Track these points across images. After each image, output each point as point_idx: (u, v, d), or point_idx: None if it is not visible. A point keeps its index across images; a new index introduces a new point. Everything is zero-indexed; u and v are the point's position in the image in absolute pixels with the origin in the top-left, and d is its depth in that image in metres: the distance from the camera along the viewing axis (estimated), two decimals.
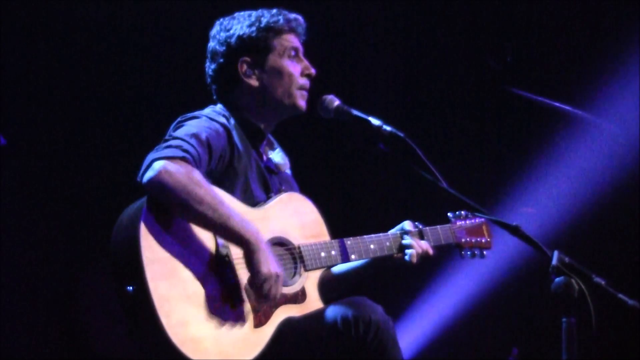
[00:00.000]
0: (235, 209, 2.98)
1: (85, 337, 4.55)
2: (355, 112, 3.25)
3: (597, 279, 2.61)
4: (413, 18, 5.59)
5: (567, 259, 2.62)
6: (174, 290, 2.83)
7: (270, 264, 2.93)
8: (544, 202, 5.24)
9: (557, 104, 5.05)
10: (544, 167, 5.32)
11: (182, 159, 2.90)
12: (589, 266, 2.63)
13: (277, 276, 2.95)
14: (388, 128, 3.13)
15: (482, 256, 3.68)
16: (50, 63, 4.54)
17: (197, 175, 2.90)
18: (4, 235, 4.35)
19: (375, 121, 3.17)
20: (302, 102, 3.34)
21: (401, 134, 3.09)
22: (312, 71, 3.37)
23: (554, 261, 2.62)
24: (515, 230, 2.82)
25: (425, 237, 3.47)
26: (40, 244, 4.51)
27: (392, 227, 3.46)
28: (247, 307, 2.98)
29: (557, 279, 2.60)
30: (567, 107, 5.02)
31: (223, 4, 3.54)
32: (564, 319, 2.57)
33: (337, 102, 3.30)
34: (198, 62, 3.52)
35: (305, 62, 3.37)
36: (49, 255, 4.52)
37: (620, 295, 2.63)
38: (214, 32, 3.38)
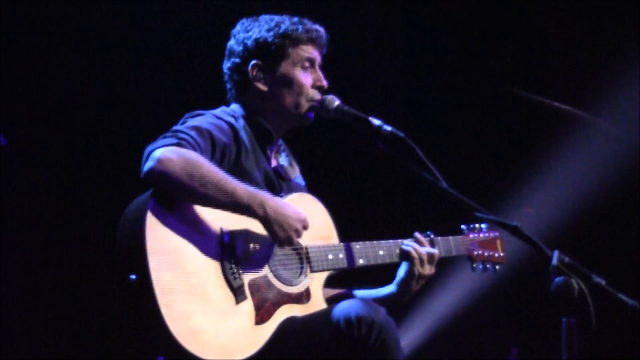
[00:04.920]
0: (240, 184, 2.99)
1: (85, 337, 4.55)
2: (356, 112, 3.25)
3: (597, 279, 2.61)
4: (413, 18, 5.59)
5: (567, 259, 2.62)
6: (176, 282, 2.84)
7: (284, 229, 3.00)
8: (544, 202, 5.24)
9: (557, 104, 5.04)
10: (544, 167, 5.32)
11: (178, 145, 2.92)
12: (589, 266, 2.63)
13: (296, 232, 3.04)
14: (388, 128, 3.13)
15: (494, 270, 3.67)
16: (50, 63, 4.53)
17: (195, 156, 2.90)
18: (4, 235, 4.35)
19: (375, 121, 3.17)
20: (309, 114, 3.34)
21: (401, 134, 3.09)
22: (324, 83, 3.35)
23: (554, 261, 2.61)
24: (515, 230, 2.81)
25: (436, 247, 3.47)
26: (41, 244, 4.51)
27: (404, 232, 3.46)
28: (250, 303, 2.98)
29: (557, 279, 2.59)
30: (567, 107, 5.02)
31: (228, 7, 3.54)
32: (564, 319, 2.57)
33: (337, 102, 3.31)
34: (200, 63, 3.54)
35: (319, 74, 3.36)
36: (50, 256, 4.52)
37: (620, 295, 2.63)
38: (235, 30, 3.40)
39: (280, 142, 3.46)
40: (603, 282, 2.62)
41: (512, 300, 5.44)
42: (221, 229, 2.98)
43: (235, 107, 3.35)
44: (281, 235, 3.02)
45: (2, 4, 4.38)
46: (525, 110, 5.39)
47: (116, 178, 4.50)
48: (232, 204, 2.94)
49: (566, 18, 5.35)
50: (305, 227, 3.08)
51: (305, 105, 3.32)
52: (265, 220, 2.99)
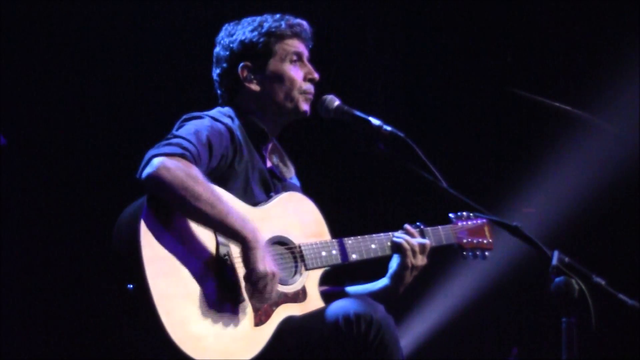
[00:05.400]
0: (236, 207, 2.99)
1: (83, 337, 4.55)
2: (355, 112, 3.25)
3: (597, 279, 2.61)
4: (413, 17, 5.59)
5: (567, 259, 2.62)
6: (174, 288, 2.84)
7: (266, 262, 2.93)
8: (544, 202, 5.24)
9: (557, 104, 5.04)
10: (544, 167, 5.32)
11: (181, 155, 2.92)
12: (589, 266, 2.63)
13: (273, 275, 2.95)
14: (388, 128, 3.13)
15: (483, 257, 3.69)
16: (51, 63, 4.53)
17: (195, 171, 2.91)
18: (4, 235, 4.35)
19: (375, 121, 3.17)
20: (304, 106, 3.35)
21: (401, 134, 3.09)
22: (315, 76, 3.37)
23: (554, 261, 2.61)
24: (515, 230, 2.81)
25: (427, 237, 3.47)
26: (40, 244, 4.50)
27: (395, 227, 3.46)
28: (248, 305, 2.98)
29: (557, 279, 2.60)
30: (568, 107, 5.02)
31: (229, 6, 3.55)
32: (564, 319, 2.57)
33: (337, 102, 3.31)
34: (200, 62, 3.54)
35: (309, 67, 3.37)
36: (50, 256, 4.52)
37: (620, 295, 2.63)
38: (219, 37, 3.42)
39: (275, 142, 3.47)
40: (603, 282, 2.62)
41: (512, 300, 5.44)
42: (215, 233, 2.98)
43: (228, 109, 3.35)
44: (251, 278, 2.92)
45: (2, 4, 4.37)
46: (525, 110, 5.39)
47: (116, 178, 4.49)
48: (222, 225, 2.92)
49: (566, 18, 5.34)
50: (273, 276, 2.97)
51: (299, 97, 3.34)
52: (249, 250, 2.93)
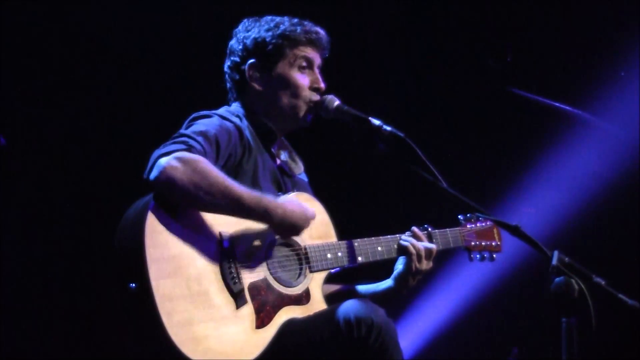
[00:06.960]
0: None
1: (84, 337, 4.55)
2: (355, 112, 3.25)
3: (597, 279, 2.61)
4: (414, 18, 5.59)
5: (567, 259, 2.62)
6: (177, 289, 2.84)
7: (297, 228, 3.04)
8: (544, 202, 5.24)
9: (557, 104, 5.04)
10: (544, 167, 5.32)
11: (187, 151, 2.90)
12: (589, 266, 2.63)
13: (308, 223, 3.07)
14: (388, 128, 3.13)
15: (491, 259, 3.67)
16: (50, 63, 4.53)
17: (202, 164, 2.89)
18: (4, 235, 4.35)
19: (375, 121, 3.17)
20: (306, 116, 3.34)
21: (401, 134, 3.09)
22: (322, 85, 3.35)
23: (554, 261, 2.62)
24: (515, 230, 2.81)
25: (434, 240, 3.47)
26: (40, 244, 4.50)
27: (404, 227, 3.46)
28: (250, 308, 2.98)
29: (557, 279, 2.60)
30: (568, 107, 5.02)
31: (233, 7, 3.54)
32: (564, 319, 2.57)
33: (337, 102, 3.31)
34: (201, 62, 3.54)
35: (317, 75, 3.36)
36: (50, 256, 4.51)
37: (620, 295, 2.63)
38: (237, 30, 3.43)
39: (283, 138, 3.46)
40: (603, 282, 2.62)
41: (512, 300, 5.44)
42: (220, 234, 2.97)
43: (236, 107, 3.35)
44: (291, 235, 3.06)
45: (2, 4, 4.37)
46: (525, 110, 5.39)
47: (117, 178, 4.49)
48: (240, 210, 2.94)
49: (566, 18, 5.34)
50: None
51: (302, 107, 3.33)
52: (274, 224, 2.99)
